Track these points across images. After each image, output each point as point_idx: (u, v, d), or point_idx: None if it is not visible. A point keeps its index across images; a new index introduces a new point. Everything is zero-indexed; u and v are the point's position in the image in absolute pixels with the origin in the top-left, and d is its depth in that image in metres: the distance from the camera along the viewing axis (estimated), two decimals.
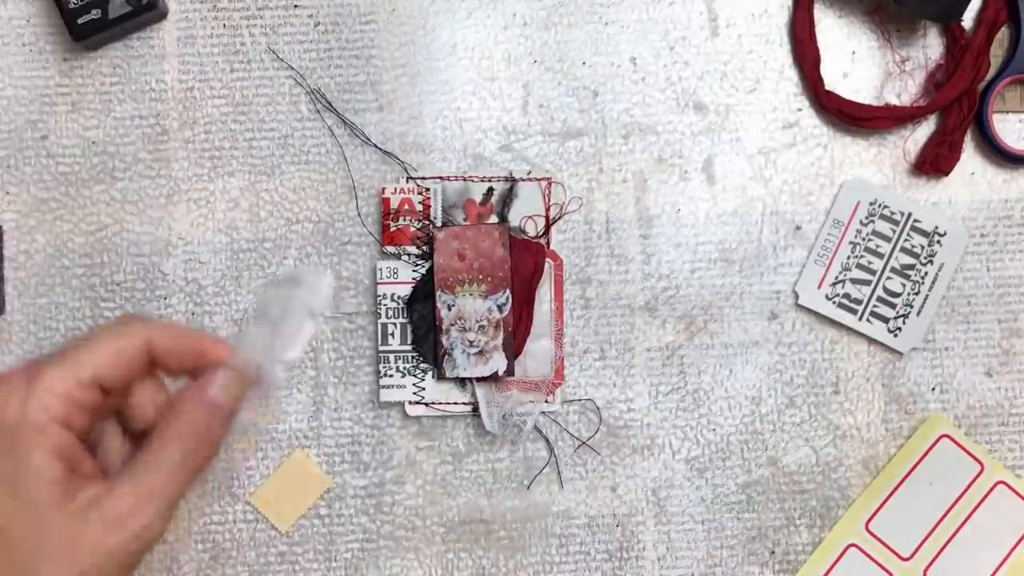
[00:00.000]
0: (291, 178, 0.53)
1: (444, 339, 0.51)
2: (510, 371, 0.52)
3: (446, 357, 0.51)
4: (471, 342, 0.51)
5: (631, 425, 0.53)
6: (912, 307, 0.53)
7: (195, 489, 0.52)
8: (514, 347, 0.52)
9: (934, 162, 0.53)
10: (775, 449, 0.53)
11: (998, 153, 0.53)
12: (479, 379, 0.52)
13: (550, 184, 0.53)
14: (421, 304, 0.52)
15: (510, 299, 0.51)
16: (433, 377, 0.52)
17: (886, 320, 0.53)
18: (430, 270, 0.52)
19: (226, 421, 0.41)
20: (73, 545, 0.38)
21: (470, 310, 0.51)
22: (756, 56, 0.54)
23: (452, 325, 0.51)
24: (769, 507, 0.53)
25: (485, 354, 0.51)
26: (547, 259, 0.53)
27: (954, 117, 0.53)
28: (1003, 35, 0.54)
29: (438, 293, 0.51)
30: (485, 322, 0.51)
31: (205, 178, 0.53)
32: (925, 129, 0.54)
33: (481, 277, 0.51)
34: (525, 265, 0.52)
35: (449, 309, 0.51)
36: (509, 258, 0.52)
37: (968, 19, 0.54)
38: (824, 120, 0.54)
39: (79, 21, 0.51)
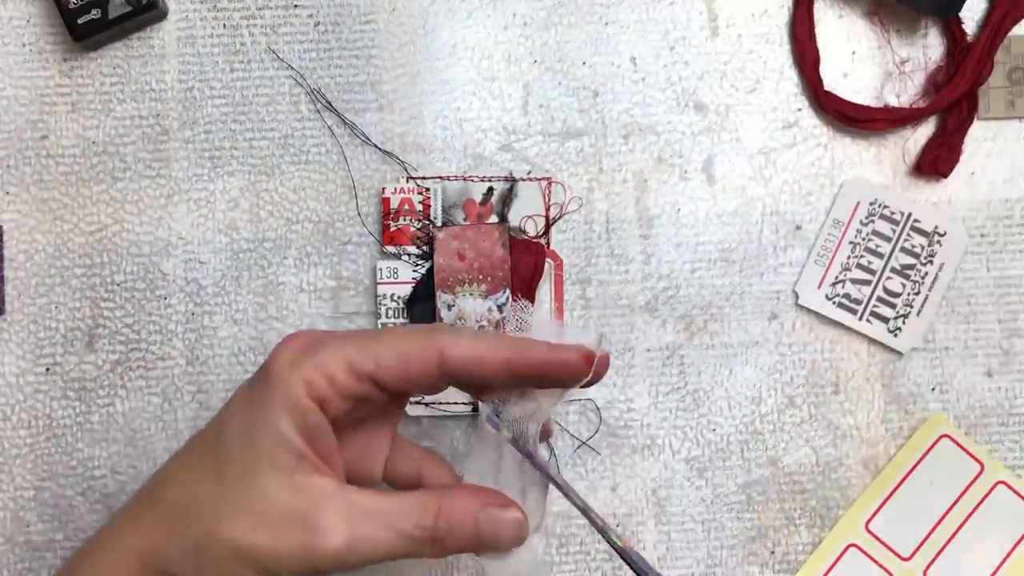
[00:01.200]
0: (291, 178, 0.53)
1: None
2: None
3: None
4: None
5: (631, 425, 0.53)
6: (912, 307, 0.53)
7: None
8: None
9: (933, 163, 0.53)
10: (775, 449, 0.53)
11: None
12: None
13: (550, 184, 0.53)
14: (421, 304, 0.52)
15: (510, 299, 0.51)
16: None
17: (886, 320, 0.53)
18: (430, 270, 0.52)
19: (469, 548, 0.39)
20: (269, 519, 0.37)
21: (470, 310, 0.51)
22: (756, 56, 0.54)
23: (452, 325, 0.51)
24: (769, 507, 0.53)
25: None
26: (547, 259, 0.53)
27: (954, 119, 0.53)
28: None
29: (438, 293, 0.51)
30: (485, 322, 0.51)
31: (205, 178, 0.53)
32: (925, 130, 0.54)
33: (481, 277, 0.51)
34: (525, 265, 0.52)
35: (449, 309, 0.51)
36: (509, 258, 0.52)
37: (972, 21, 0.54)
38: (824, 120, 0.54)
39: (79, 21, 0.51)
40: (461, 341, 0.38)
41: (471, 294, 0.51)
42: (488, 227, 0.52)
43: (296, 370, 0.37)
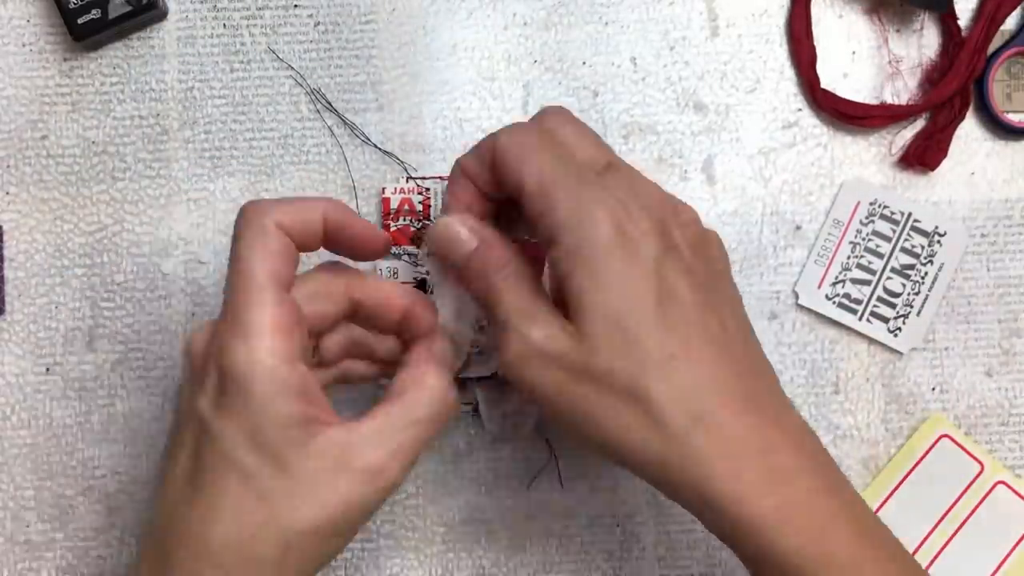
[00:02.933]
0: (291, 178, 0.53)
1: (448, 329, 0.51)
2: None
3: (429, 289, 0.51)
4: (471, 342, 0.51)
5: None
6: (912, 307, 0.53)
7: None
8: None
9: (920, 156, 0.53)
10: None
11: (994, 123, 0.53)
12: (479, 379, 0.52)
13: None
14: None
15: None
16: None
17: (886, 320, 0.53)
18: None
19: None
20: (322, 491, 0.39)
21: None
22: (756, 56, 0.54)
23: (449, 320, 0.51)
24: None
25: (485, 354, 0.51)
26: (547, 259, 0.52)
27: (945, 114, 0.53)
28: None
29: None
30: (485, 322, 0.51)
31: (205, 178, 0.53)
32: (919, 127, 0.54)
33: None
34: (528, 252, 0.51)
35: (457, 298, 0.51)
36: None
37: (965, 16, 0.54)
38: (824, 120, 0.54)
39: (79, 21, 0.51)
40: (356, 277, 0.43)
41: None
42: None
43: (254, 347, 0.38)
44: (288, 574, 0.39)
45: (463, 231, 0.43)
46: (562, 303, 0.40)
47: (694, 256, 0.41)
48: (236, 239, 0.40)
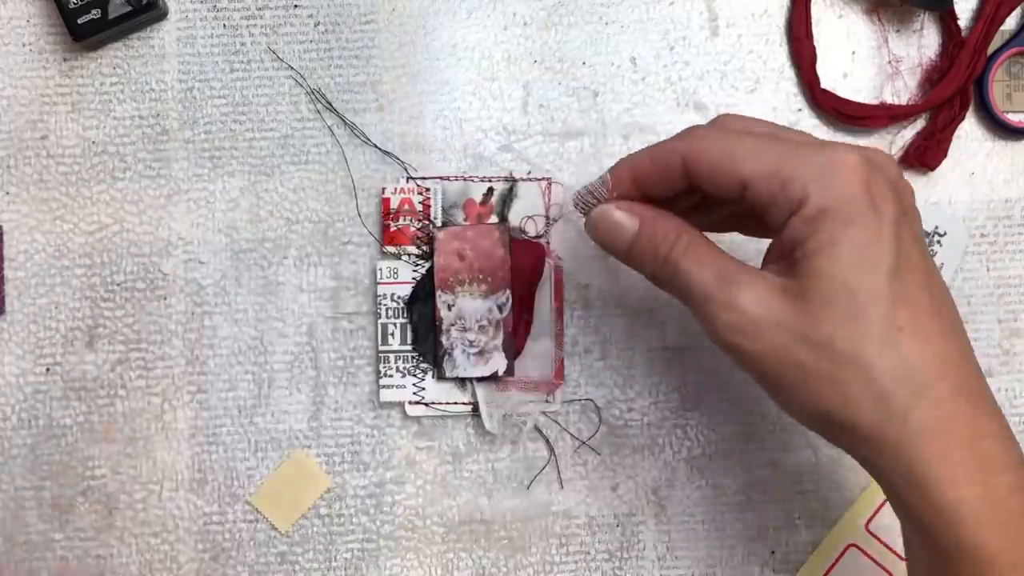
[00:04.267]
0: (291, 178, 0.53)
1: (444, 339, 0.51)
2: (510, 371, 0.52)
3: (446, 357, 0.51)
4: (471, 342, 0.51)
5: (631, 425, 0.53)
6: None
7: (194, 489, 0.52)
8: (514, 347, 0.52)
9: (921, 156, 0.53)
10: (775, 449, 0.53)
11: (994, 123, 0.53)
12: (479, 379, 0.52)
13: (550, 184, 0.53)
14: (421, 304, 0.52)
15: (510, 299, 0.51)
16: (433, 377, 0.52)
17: None
18: (430, 270, 0.52)
19: None
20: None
21: (470, 310, 0.51)
22: (756, 56, 0.54)
23: (452, 325, 0.51)
24: (769, 507, 0.53)
25: (485, 354, 0.51)
26: (547, 259, 0.53)
27: (945, 114, 0.53)
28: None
29: (438, 293, 0.51)
30: (485, 322, 0.51)
31: (205, 178, 0.53)
32: (919, 127, 0.54)
33: (481, 277, 0.51)
34: (525, 265, 0.52)
35: (449, 309, 0.51)
36: (509, 258, 0.51)
37: (965, 16, 0.54)
38: (824, 120, 0.54)
39: (79, 21, 0.51)
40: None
41: (471, 294, 0.51)
42: (488, 227, 0.52)
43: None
44: None
45: (621, 215, 0.42)
46: (781, 264, 0.39)
47: (918, 220, 0.39)
48: None
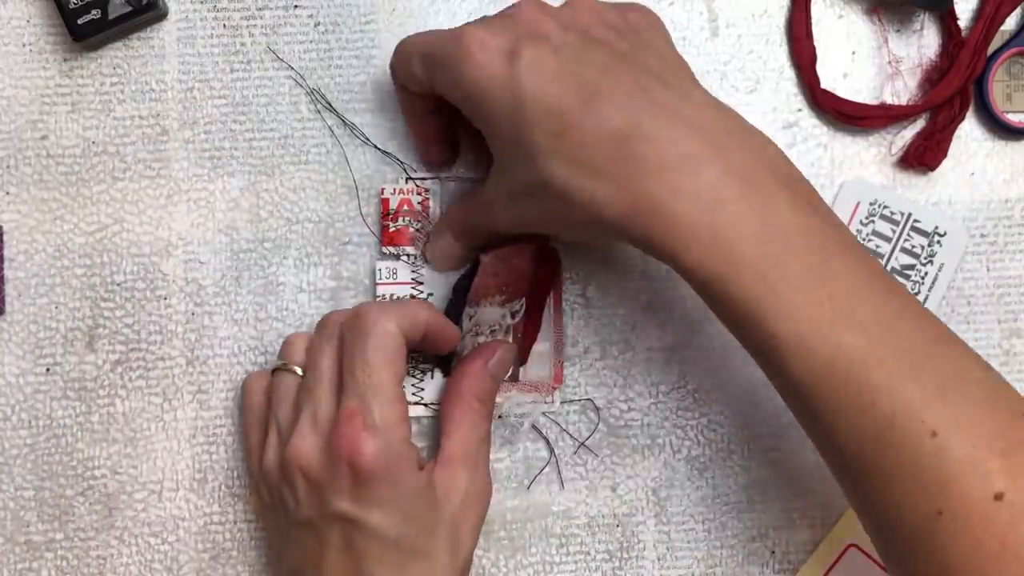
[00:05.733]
0: (291, 178, 0.53)
1: (458, 346, 0.51)
2: (515, 376, 0.52)
3: (455, 360, 0.51)
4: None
5: (631, 425, 0.53)
6: None
7: (195, 489, 0.52)
8: (522, 354, 0.52)
9: (920, 156, 0.53)
10: (775, 449, 0.53)
11: (994, 123, 0.53)
12: None
13: None
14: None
15: (524, 306, 0.51)
16: (432, 378, 0.52)
17: None
18: (463, 288, 0.51)
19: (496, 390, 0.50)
20: (462, 531, 0.46)
21: (487, 318, 0.51)
22: (756, 56, 0.54)
23: (468, 332, 0.51)
24: (769, 507, 0.53)
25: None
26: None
27: (945, 114, 0.53)
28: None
29: (467, 309, 0.51)
30: (497, 327, 0.51)
31: (205, 178, 0.53)
32: (919, 127, 0.54)
33: (504, 288, 0.51)
34: (544, 276, 0.51)
35: (469, 319, 0.51)
36: (534, 274, 0.51)
37: (965, 16, 0.54)
38: (824, 120, 0.54)
39: (79, 21, 0.51)
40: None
41: (491, 303, 0.51)
42: (522, 246, 0.51)
43: (400, 447, 0.45)
44: None
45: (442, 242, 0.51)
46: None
47: (570, 32, 0.42)
48: (361, 341, 0.44)
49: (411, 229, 0.52)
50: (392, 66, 0.48)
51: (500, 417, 0.52)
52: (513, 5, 0.43)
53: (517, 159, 0.42)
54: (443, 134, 0.50)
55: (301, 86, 0.53)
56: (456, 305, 0.51)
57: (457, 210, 0.51)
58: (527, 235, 0.50)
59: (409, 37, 0.47)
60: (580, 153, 0.40)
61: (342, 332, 0.46)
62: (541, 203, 0.42)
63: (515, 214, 0.45)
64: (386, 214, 0.52)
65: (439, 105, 0.47)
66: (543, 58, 0.41)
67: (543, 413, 0.53)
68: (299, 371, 0.47)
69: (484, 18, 0.44)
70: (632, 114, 0.40)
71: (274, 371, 0.49)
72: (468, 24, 0.43)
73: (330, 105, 0.53)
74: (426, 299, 0.52)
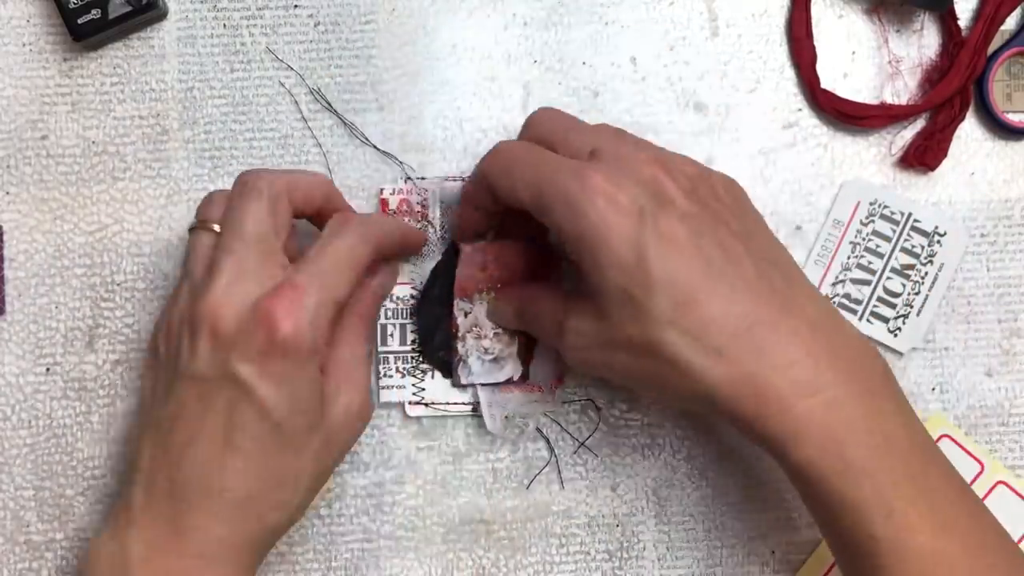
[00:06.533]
0: None
1: (460, 346, 0.51)
2: (524, 377, 0.51)
3: (461, 364, 0.51)
4: (486, 349, 0.51)
5: (631, 425, 0.53)
6: (912, 307, 0.53)
7: None
8: (526, 357, 0.52)
9: (920, 156, 0.53)
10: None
11: (994, 123, 0.53)
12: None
13: None
14: (426, 310, 0.51)
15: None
16: (432, 378, 0.52)
17: (886, 320, 0.53)
18: (434, 274, 0.51)
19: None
20: (342, 438, 0.46)
21: (484, 316, 0.51)
22: (756, 56, 0.54)
23: (468, 332, 0.51)
24: (769, 507, 0.53)
25: (499, 361, 0.51)
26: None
27: (945, 114, 0.53)
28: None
29: (456, 301, 0.51)
30: (500, 330, 0.51)
31: (205, 178, 0.53)
32: (919, 127, 0.54)
33: (500, 287, 0.51)
34: (543, 275, 0.52)
35: (466, 316, 0.51)
36: (528, 271, 0.51)
37: (965, 16, 0.54)
38: (824, 120, 0.54)
39: (79, 21, 0.51)
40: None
41: (485, 300, 0.51)
42: (515, 243, 0.51)
43: (312, 325, 0.43)
44: (300, 507, 0.45)
45: (500, 304, 0.51)
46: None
47: (691, 201, 0.43)
48: (339, 238, 0.45)
49: None
50: (487, 173, 0.46)
51: (507, 418, 0.52)
52: (626, 157, 0.43)
53: (624, 314, 0.42)
54: (489, 226, 0.51)
55: (301, 86, 0.53)
56: (432, 287, 0.51)
57: (528, 297, 0.50)
58: (518, 231, 0.50)
59: (513, 150, 0.46)
60: (701, 329, 0.41)
61: (277, 196, 0.45)
62: (641, 362, 0.42)
63: (602, 360, 0.44)
64: (385, 213, 0.52)
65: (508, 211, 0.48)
66: (672, 227, 0.41)
67: (543, 413, 0.53)
68: (216, 228, 0.46)
69: (596, 158, 0.44)
70: (755, 301, 0.41)
71: (191, 229, 0.47)
72: (587, 167, 0.43)
73: (330, 105, 0.53)
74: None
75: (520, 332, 0.51)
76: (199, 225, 0.46)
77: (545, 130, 0.47)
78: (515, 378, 0.51)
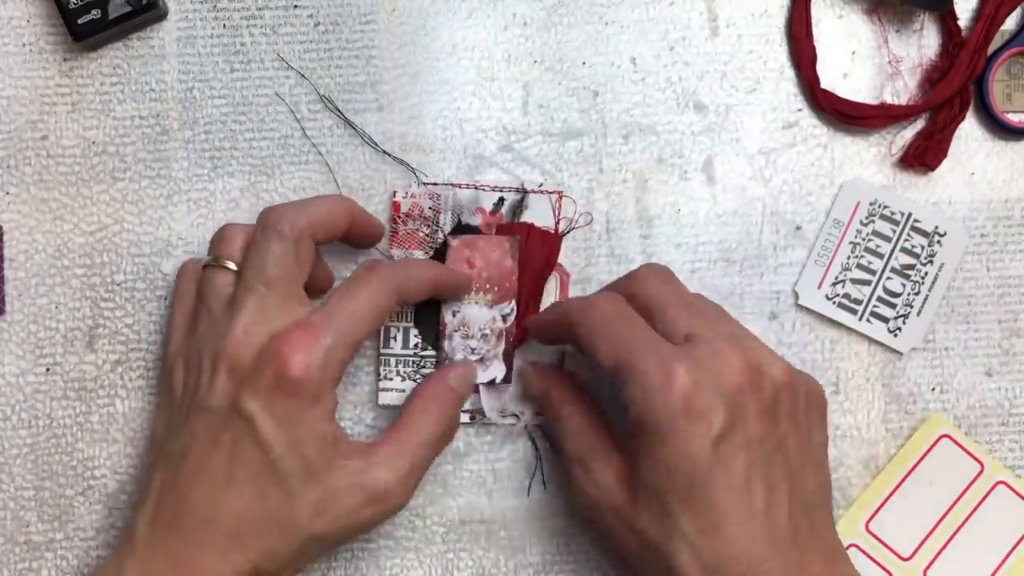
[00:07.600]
0: (291, 178, 0.53)
1: (446, 344, 0.51)
2: (507, 379, 0.52)
3: (447, 362, 0.51)
4: (473, 349, 0.51)
5: None
6: (912, 307, 0.53)
7: None
8: (512, 355, 0.52)
9: (920, 156, 0.53)
10: None
11: (994, 123, 0.53)
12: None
13: (560, 198, 0.53)
14: (424, 306, 0.52)
15: (515, 310, 0.51)
16: None
17: (886, 320, 0.53)
18: None
19: (460, 405, 0.50)
20: (340, 506, 0.44)
21: (475, 318, 0.51)
22: (756, 56, 0.54)
23: (455, 331, 0.51)
24: None
25: (485, 362, 0.51)
26: (555, 265, 0.52)
27: (945, 114, 0.53)
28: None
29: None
30: (488, 331, 0.51)
31: (205, 178, 0.53)
32: (919, 127, 0.54)
33: (488, 286, 0.51)
34: (538, 257, 0.52)
35: (454, 315, 0.51)
36: (517, 270, 0.51)
37: (965, 16, 0.54)
38: (824, 120, 0.54)
39: (79, 21, 0.51)
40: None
41: (476, 302, 0.51)
42: (499, 238, 0.51)
43: (323, 366, 0.44)
44: (286, 566, 0.44)
45: (533, 375, 0.51)
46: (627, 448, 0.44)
47: (763, 422, 0.42)
48: (357, 287, 0.46)
49: (420, 233, 0.52)
50: (575, 323, 0.45)
51: (502, 413, 0.52)
52: (719, 355, 0.42)
53: (652, 507, 0.42)
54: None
55: (301, 86, 0.53)
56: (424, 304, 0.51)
57: (566, 400, 0.49)
58: (507, 229, 0.50)
59: (607, 311, 0.45)
60: (714, 562, 0.41)
61: (300, 237, 0.45)
62: (640, 551, 0.43)
63: (604, 520, 0.45)
64: (396, 218, 0.52)
65: None
66: (732, 455, 0.41)
67: (537, 413, 0.53)
68: (232, 267, 0.46)
69: (690, 345, 0.43)
70: (773, 552, 0.41)
71: (205, 266, 0.47)
72: (675, 358, 0.42)
73: (330, 105, 0.53)
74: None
75: (508, 337, 0.51)
76: (214, 262, 0.47)
77: (645, 295, 0.46)
78: (498, 380, 0.51)
